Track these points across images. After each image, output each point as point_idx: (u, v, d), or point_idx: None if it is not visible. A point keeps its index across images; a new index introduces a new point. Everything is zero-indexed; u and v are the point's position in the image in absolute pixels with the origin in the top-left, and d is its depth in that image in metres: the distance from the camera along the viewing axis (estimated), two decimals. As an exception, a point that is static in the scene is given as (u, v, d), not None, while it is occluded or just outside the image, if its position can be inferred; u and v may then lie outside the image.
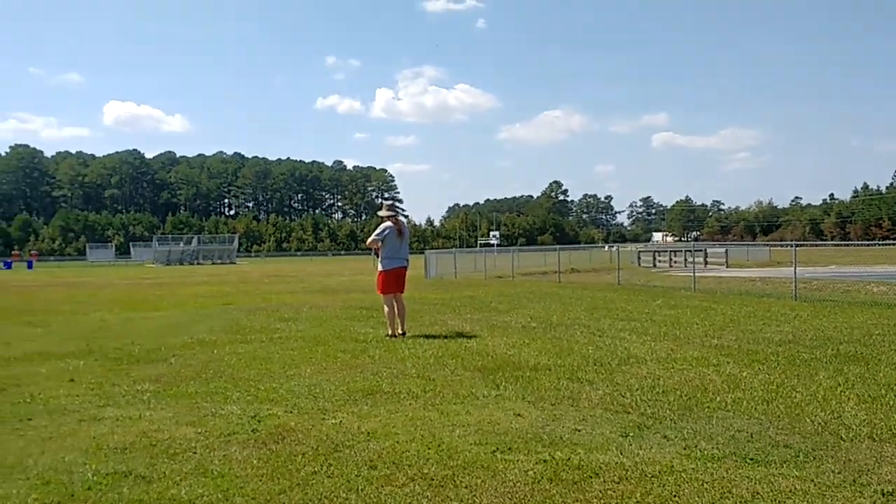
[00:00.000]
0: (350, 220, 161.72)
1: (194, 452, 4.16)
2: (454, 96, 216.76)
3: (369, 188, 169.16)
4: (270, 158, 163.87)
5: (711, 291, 16.40)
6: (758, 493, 3.41)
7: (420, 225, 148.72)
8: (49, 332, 10.67)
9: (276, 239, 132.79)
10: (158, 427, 4.74)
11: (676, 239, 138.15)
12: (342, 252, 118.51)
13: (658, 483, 3.56)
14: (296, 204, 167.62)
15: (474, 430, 4.55)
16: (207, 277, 32.57)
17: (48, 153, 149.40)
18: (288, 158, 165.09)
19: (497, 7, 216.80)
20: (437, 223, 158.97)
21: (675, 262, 32.64)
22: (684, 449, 4.12)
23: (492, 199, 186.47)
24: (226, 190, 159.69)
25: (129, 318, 12.66)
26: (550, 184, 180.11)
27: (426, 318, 11.52)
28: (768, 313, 11.44)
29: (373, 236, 9.51)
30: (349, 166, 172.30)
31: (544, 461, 3.90)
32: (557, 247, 30.97)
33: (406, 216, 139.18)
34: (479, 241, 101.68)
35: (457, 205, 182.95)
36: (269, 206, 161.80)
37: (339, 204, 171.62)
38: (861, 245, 64.48)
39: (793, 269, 15.10)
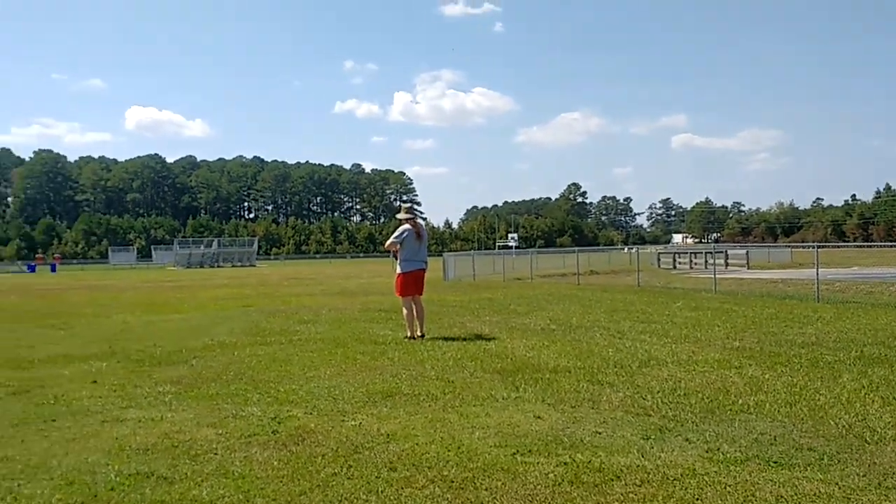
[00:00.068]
0: (368, 222, 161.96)
1: (215, 454, 4.18)
2: (472, 99, 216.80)
3: (387, 191, 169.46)
4: (289, 162, 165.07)
5: (732, 293, 16.27)
6: (781, 497, 3.37)
7: (438, 227, 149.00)
8: (72, 335, 10.78)
9: (294, 242, 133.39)
10: (180, 428, 4.77)
11: (696, 240, 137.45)
12: (361, 255, 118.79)
13: (680, 486, 3.52)
14: (314, 207, 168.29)
15: (494, 433, 4.54)
16: (227, 280, 32.79)
17: (71, 158, 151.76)
18: (307, 162, 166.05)
19: (514, 10, 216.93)
20: (455, 226, 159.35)
21: (696, 263, 32.39)
22: (706, 452, 4.08)
23: (510, 201, 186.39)
24: (245, 193, 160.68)
25: (150, 321, 12.77)
26: (569, 186, 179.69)
27: (445, 320, 11.51)
28: (790, 315, 11.33)
29: (391, 239, 9.52)
30: (367, 169, 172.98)
31: (565, 464, 3.88)
32: (576, 249, 30.82)
33: (424, 219, 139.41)
34: (497, 244, 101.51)
35: (475, 207, 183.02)
36: (288, 209, 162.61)
37: (358, 207, 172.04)
38: (884, 246, 63.69)
39: (815, 270, 14.94)
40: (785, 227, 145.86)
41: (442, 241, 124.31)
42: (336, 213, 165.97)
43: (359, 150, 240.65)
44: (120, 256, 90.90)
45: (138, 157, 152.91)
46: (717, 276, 18.50)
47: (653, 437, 4.40)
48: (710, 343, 8.40)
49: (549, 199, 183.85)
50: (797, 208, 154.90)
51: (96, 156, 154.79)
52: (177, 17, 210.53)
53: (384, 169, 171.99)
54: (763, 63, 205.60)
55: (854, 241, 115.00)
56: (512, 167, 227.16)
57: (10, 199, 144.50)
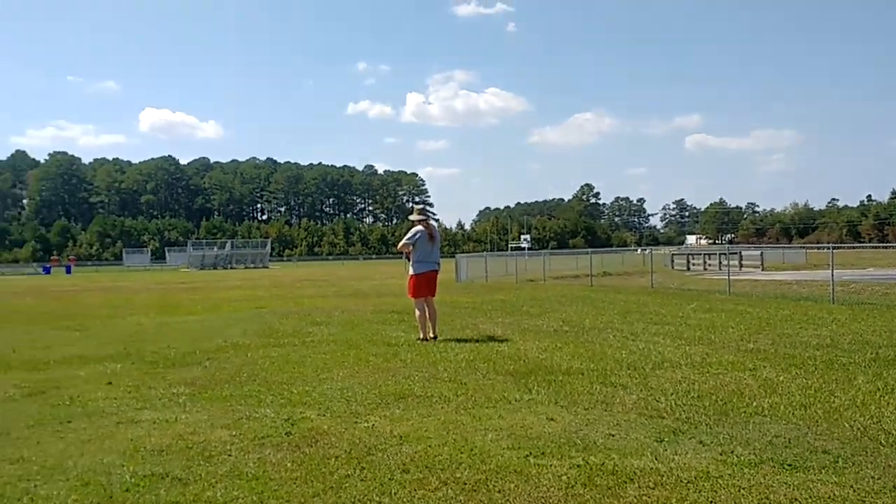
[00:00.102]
0: (381, 224, 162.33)
1: (229, 455, 4.21)
2: (484, 100, 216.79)
3: (400, 192, 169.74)
4: (302, 163, 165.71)
5: (747, 295, 16.18)
6: (796, 500, 3.35)
7: (451, 229, 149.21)
8: (87, 336, 10.86)
9: (307, 243, 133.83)
10: (194, 430, 4.80)
11: (711, 242, 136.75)
12: (373, 256, 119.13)
13: (694, 489, 3.51)
14: (327, 208, 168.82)
15: (507, 435, 4.54)
16: (240, 282, 32.93)
17: (86, 160, 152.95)
18: (319, 163, 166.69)
19: (527, 10, 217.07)
20: (467, 227, 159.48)
21: (710, 265, 32.24)
22: (720, 454, 4.06)
23: (522, 202, 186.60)
24: (258, 195, 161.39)
25: (164, 322, 12.84)
26: (582, 186, 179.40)
27: (457, 321, 11.51)
28: (805, 317, 11.26)
29: (404, 240, 9.53)
30: (380, 171, 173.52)
31: (578, 466, 3.87)
32: (589, 250, 30.74)
33: (437, 220, 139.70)
34: (510, 245, 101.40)
35: (487, 208, 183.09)
36: (301, 210, 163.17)
37: (370, 208, 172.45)
38: (901, 247, 63.09)
39: (830, 271, 14.85)
40: (800, 227, 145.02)
41: (454, 242, 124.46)
42: (349, 215, 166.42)
43: (371, 151, 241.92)
44: (134, 258, 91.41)
45: (152, 158, 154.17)
46: (731, 277, 18.39)
47: (666, 439, 4.39)
48: (725, 345, 8.37)
49: (562, 200, 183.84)
50: (812, 209, 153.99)
51: (110, 158, 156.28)
52: (190, 19, 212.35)
53: (397, 170, 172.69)
54: (778, 63, 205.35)
55: (869, 241, 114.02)
56: (525, 168, 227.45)
57: (25, 201, 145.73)
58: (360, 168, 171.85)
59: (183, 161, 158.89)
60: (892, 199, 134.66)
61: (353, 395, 5.82)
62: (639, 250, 54.77)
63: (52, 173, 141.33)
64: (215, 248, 74.56)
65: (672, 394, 5.66)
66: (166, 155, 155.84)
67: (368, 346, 8.84)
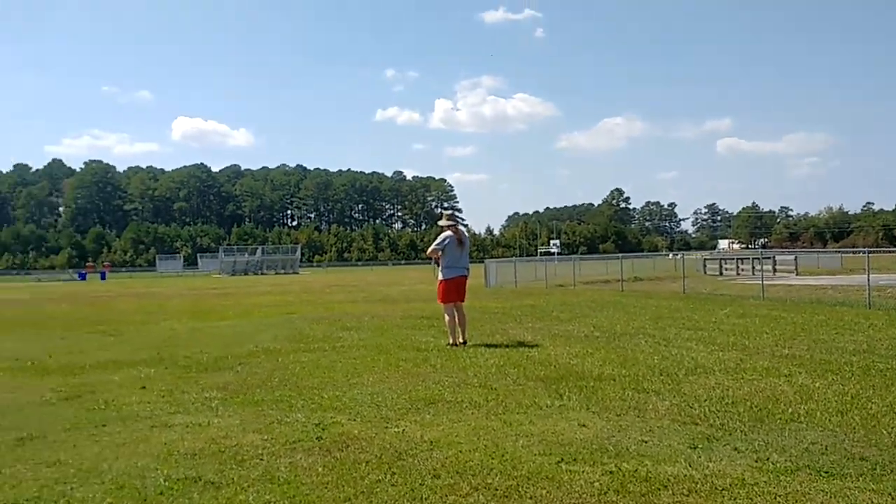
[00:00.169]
0: (410, 229, 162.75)
1: (261, 459, 4.23)
2: (513, 105, 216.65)
3: (428, 198, 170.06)
4: (331, 170, 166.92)
5: (781, 300, 15.95)
6: (835, 509, 3.28)
7: (480, 234, 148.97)
8: (121, 341, 11.01)
9: (337, 249, 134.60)
10: (226, 434, 4.83)
11: (743, 246, 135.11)
12: (402, 262, 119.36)
13: (729, 496, 3.46)
14: (356, 214, 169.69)
15: (538, 441, 4.50)
16: (271, 287, 33.19)
17: (120, 168, 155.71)
18: (348, 170, 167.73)
19: (555, 16, 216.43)
20: (496, 232, 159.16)
21: (743, 269, 31.84)
22: (756, 461, 4.00)
23: (551, 207, 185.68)
24: (288, 201, 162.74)
25: (196, 328, 12.98)
26: (612, 191, 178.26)
27: (487, 327, 11.49)
28: (841, 322, 11.06)
29: (433, 246, 9.53)
30: (409, 177, 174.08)
31: (611, 472, 3.83)
32: (620, 255, 30.51)
33: (466, 225, 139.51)
34: (539, 250, 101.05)
35: (516, 213, 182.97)
36: (331, 216, 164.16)
37: (399, 214, 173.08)
38: (939, 251, 61.80)
39: (866, 276, 14.58)
40: (834, 231, 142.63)
41: (483, 247, 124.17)
42: (377, 221, 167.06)
43: (400, 157, 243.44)
44: (167, 264, 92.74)
45: (184, 166, 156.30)
46: (764, 282, 18.13)
47: (700, 446, 4.33)
48: (759, 351, 8.24)
49: (592, 204, 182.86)
50: (847, 212, 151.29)
51: (144, 166, 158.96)
52: (221, 31, 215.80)
53: (425, 176, 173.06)
54: (810, 65, 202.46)
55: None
56: (553, 173, 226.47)
57: (61, 208, 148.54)
58: (389, 174, 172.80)
59: (214, 169, 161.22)
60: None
61: (384, 400, 5.83)
62: (670, 255, 54.23)
63: (87, 181, 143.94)
64: (246, 255, 75.47)
65: (706, 400, 5.58)
66: (198, 163, 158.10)
67: (398, 351, 8.85)
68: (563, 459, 4.08)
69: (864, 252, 17.76)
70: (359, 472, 3.94)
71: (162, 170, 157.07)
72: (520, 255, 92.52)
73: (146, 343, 10.56)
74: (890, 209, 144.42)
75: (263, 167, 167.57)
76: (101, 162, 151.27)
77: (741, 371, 6.88)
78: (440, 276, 9.48)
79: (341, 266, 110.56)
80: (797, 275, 29.46)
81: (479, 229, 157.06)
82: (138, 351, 9.59)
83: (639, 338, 9.65)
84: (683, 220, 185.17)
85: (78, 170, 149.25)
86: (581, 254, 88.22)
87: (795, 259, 32.99)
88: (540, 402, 5.63)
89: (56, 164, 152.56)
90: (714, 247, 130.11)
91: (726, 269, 33.01)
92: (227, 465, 4.13)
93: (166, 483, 3.82)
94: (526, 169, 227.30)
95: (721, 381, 6.35)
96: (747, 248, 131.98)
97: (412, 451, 4.33)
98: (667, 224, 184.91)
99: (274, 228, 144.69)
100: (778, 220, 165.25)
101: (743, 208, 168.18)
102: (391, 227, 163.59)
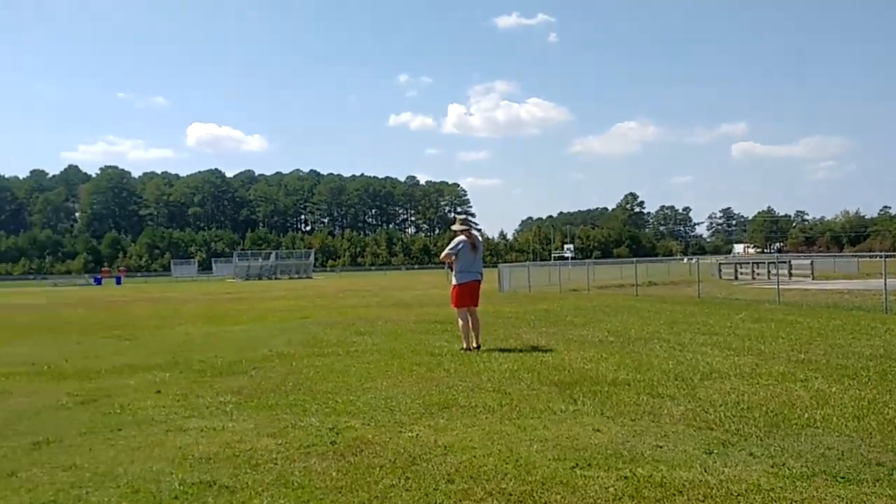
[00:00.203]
0: (423, 234, 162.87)
1: (275, 463, 4.24)
2: (526, 110, 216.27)
3: (442, 203, 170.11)
4: (345, 175, 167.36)
5: (797, 304, 15.83)
6: (853, 515, 3.25)
7: (493, 239, 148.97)
8: (137, 346, 11.08)
9: (350, 254, 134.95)
10: (241, 438, 4.85)
11: (759, 250, 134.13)
12: (416, 266, 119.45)
13: (745, 502, 3.43)
14: (370, 219, 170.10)
15: (552, 446, 4.49)
16: (285, 292, 33.30)
17: (135, 174, 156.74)
18: (362, 175, 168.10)
19: (569, 21, 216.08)
20: (510, 237, 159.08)
21: (758, 274, 31.61)
22: (771, 467, 3.97)
23: (565, 211, 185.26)
24: (302, 206, 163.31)
25: (211, 332, 13.04)
26: (626, 196, 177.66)
27: (501, 331, 11.47)
28: (857, 327, 10.96)
29: (446, 250, 9.53)
30: (422, 181, 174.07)
31: (625, 478, 3.81)
32: (634, 259, 30.38)
33: (479, 230, 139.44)
34: (553, 255, 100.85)
35: (530, 218, 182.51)
36: (344, 221, 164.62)
37: (413, 219, 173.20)
38: (958, 255, 61.16)
39: (883, 280, 14.43)
40: (851, 236, 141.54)
41: (497, 252, 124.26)
42: (391, 225, 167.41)
43: (413, 162, 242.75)
44: (182, 269, 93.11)
45: (199, 172, 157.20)
46: (780, 286, 18.00)
47: (716, 451, 4.30)
48: (774, 355, 8.18)
49: (606, 209, 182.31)
50: (863, 217, 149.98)
51: (159, 171, 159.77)
52: (235, 37, 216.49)
53: (438, 181, 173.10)
54: (826, 68, 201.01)
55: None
56: (567, 177, 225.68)
57: (77, 214, 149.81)
58: (402, 179, 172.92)
59: (229, 174, 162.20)
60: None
61: (397, 405, 5.83)
62: (685, 259, 53.98)
63: (102, 187, 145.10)
64: (260, 259, 75.65)
65: (721, 405, 5.55)
66: (213, 168, 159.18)
67: (412, 355, 8.85)
68: (577, 464, 4.06)
69: (880, 256, 17.55)
70: (373, 476, 3.94)
71: (177, 175, 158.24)
72: (533, 260, 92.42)
73: (161, 347, 10.62)
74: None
75: (277, 172, 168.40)
76: (116, 167, 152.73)
77: (757, 376, 6.83)
78: (454, 281, 9.48)
79: (355, 271, 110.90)
80: (813, 279, 29.22)
81: (493, 234, 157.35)
82: (153, 355, 9.65)
83: (653, 342, 9.61)
84: (698, 224, 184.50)
85: (94, 175, 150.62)
86: (595, 258, 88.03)
87: (811, 263, 32.73)
88: (554, 407, 5.62)
89: (72, 170, 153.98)
90: (729, 251, 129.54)
91: (742, 274, 32.79)
92: (242, 469, 4.14)
93: (181, 487, 3.83)
94: (539, 173, 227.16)
95: (736, 386, 6.31)
96: (763, 252, 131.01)
97: (426, 455, 4.32)
98: (681, 228, 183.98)
99: (288, 233, 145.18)
100: (794, 224, 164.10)
101: (758, 212, 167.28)
102: (404, 232, 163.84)
